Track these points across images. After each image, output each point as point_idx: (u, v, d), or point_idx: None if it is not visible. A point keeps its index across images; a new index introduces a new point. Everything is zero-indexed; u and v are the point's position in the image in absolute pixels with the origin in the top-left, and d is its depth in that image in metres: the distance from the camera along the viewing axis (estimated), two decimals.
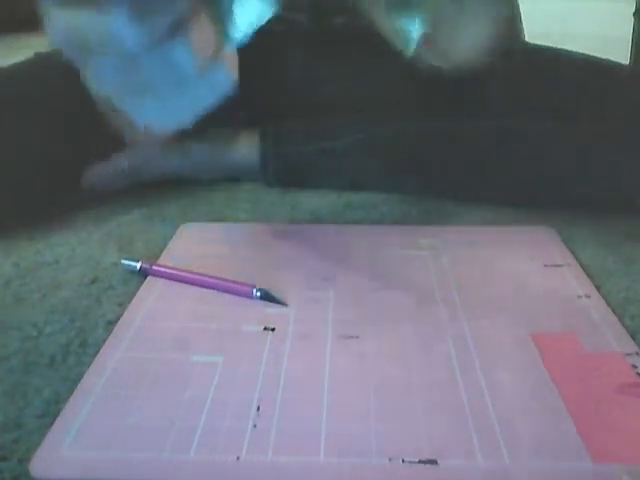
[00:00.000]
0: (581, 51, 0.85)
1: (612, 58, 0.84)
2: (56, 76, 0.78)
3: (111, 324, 0.54)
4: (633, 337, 0.52)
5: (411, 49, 0.40)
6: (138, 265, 0.62)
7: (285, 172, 0.84)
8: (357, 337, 0.52)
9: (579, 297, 0.58)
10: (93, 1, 0.41)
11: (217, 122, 0.84)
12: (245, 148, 0.85)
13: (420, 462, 0.40)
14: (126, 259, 0.63)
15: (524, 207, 0.76)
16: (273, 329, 0.53)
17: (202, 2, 0.41)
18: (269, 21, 0.70)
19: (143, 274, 0.62)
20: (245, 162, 0.85)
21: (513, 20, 0.81)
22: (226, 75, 0.42)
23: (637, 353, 0.50)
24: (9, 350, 0.52)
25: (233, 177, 0.85)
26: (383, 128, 0.82)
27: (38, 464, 0.40)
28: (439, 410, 0.44)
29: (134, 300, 0.58)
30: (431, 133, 0.80)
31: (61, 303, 0.58)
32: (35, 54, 0.80)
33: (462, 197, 0.79)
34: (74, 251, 0.67)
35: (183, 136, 0.83)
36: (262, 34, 0.86)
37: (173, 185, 0.83)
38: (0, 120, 0.73)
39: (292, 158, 0.83)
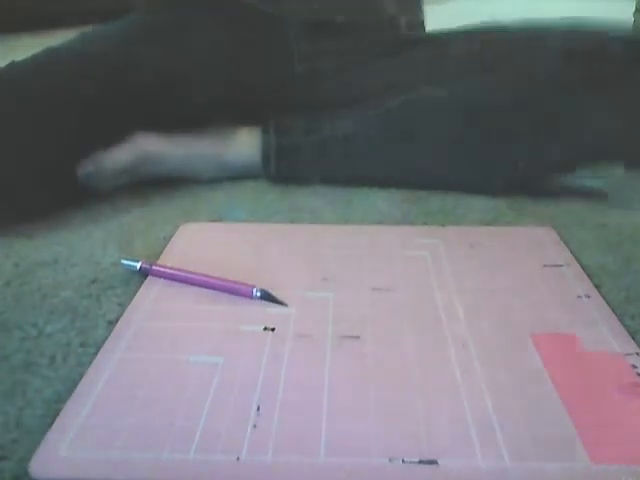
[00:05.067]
0: None
1: None
2: (55, 75, 0.78)
3: (111, 324, 0.54)
4: (633, 337, 0.52)
5: None
6: (138, 265, 0.62)
7: (286, 164, 0.84)
8: (357, 337, 0.52)
9: (579, 297, 0.58)
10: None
11: (218, 119, 0.85)
12: (246, 144, 0.85)
13: (420, 462, 0.40)
14: (126, 259, 0.63)
15: (524, 207, 0.77)
16: (273, 329, 0.53)
17: None
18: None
19: (143, 274, 0.61)
20: (246, 158, 0.85)
21: None
22: None
23: (637, 353, 0.50)
24: (9, 350, 0.52)
25: (234, 174, 0.85)
26: (383, 114, 0.83)
27: (38, 464, 0.40)
28: (439, 410, 0.44)
29: (134, 300, 0.58)
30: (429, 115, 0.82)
31: (61, 303, 0.58)
32: (33, 54, 0.80)
33: (448, 184, 0.80)
34: (74, 251, 0.67)
35: (185, 132, 0.84)
36: (263, 32, 0.87)
37: (173, 185, 0.83)
38: None
39: (293, 149, 0.84)
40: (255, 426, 0.43)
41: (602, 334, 0.52)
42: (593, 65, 0.77)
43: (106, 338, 0.52)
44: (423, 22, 0.97)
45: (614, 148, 0.78)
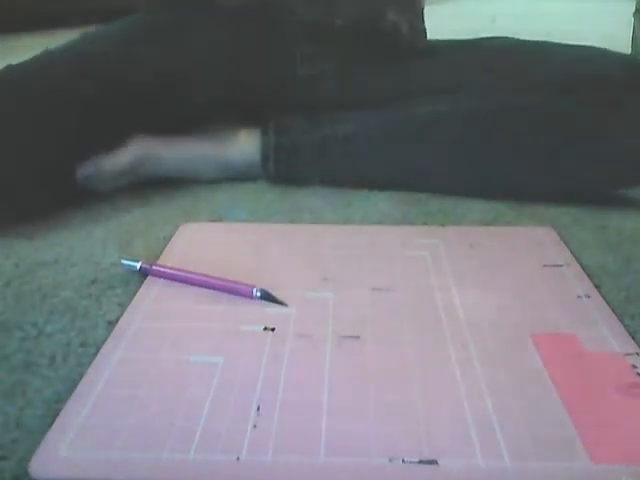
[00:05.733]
0: None
1: None
2: (55, 75, 0.78)
3: (111, 324, 0.54)
4: (633, 337, 0.52)
5: None
6: (138, 265, 0.62)
7: (286, 165, 0.84)
8: (357, 337, 0.52)
9: (579, 297, 0.58)
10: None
11: (218, 119, 0.85)
12: (245, 145, 0.85)
13: (420, 462, 0.40)
14: (126, 259, 0.63)
15: (524, 207, 0.77)
16: (273, 329, 0.53)
17: None
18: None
19: (143, 274, 0.61)
20: (245, 158, 0.85)
21: None
22: None
23: (637, 353, 0.50)
24: (9, 350, 0.52)
25: (234, 175, 0.85)
26: (385, 116, 0.83)
27: (38, 464, 0.40)
28: (439, 410, 0.44)
29: (134, 300, 0.58)
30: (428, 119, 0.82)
31: (61, 303, 0.58)
32: (33, 55, 0.80)
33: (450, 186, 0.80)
34: (74, 251, 0.67)
35: (185, 133, 0.84)
36: (264, 33, 0.87)
37: (173, 185, 0.83)
38: None
39: (293, 150, 0.84)
40: (255, 426, 0.43)
41: (602, 334, 0.52)
42: (593, 88, 0.77)
43: (106, 338, 0.52)
44: (424, 30, 0.97)
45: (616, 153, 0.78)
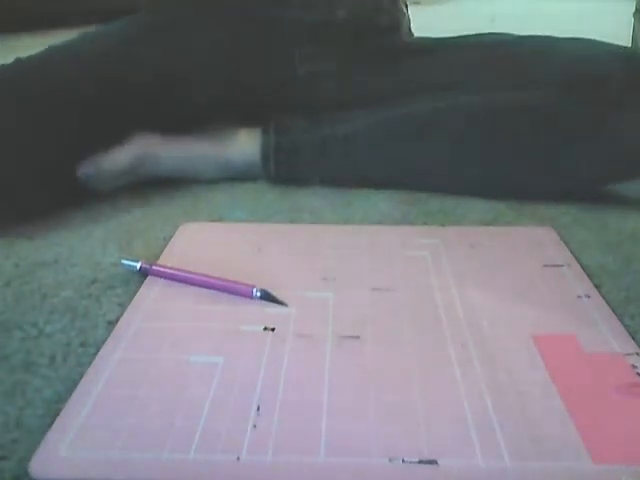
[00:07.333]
0: None
1: None
2: (55, 75, 0.78)
3: (111, 324, 0.54)
4: (633, 337, 0.52)
5: None
6: (138, 265, 0.62)
7: (286, 165, 0.84)
8: (357, 337, 0.52)
9: (579, 297, 0.58)
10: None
11: (218, 119, 0.85)
12: (246, 144, 0.85)
13: (420, 462, 0.40)
14: (126, 259, 0.63)
15: (524, 207, 0.77)
16: (273, 329, 0.53)
17: None
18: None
19: (143, 274, 0.61)
20: (246, 158, 0.85)
21: None
22: None
23: (637, 353, 0.50)
24: (9, 350, 0.52)
25: (234, 175, 0.85)
26: (385, 115, 0.83)
27: (38, 464, 0.40)
28: (439, 410, 0.44)
29: (134, 300, 0.58)
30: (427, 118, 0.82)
31: (61, 303, 0.58)
32: (34, 54, 0.80)
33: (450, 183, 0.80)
34: (74, 251, 0.67)
35: (185, 133, 0.84)
36: (263, 32, 0.87)
37: (173, 185, 0.83)
38: None
39: (293, 150, 0.84)
40: (255, 426, 0.43)
41: (602, 334, 0.52)
42: (593, 87, 0.77)
43: (106, 338, 0.52)
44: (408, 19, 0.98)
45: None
